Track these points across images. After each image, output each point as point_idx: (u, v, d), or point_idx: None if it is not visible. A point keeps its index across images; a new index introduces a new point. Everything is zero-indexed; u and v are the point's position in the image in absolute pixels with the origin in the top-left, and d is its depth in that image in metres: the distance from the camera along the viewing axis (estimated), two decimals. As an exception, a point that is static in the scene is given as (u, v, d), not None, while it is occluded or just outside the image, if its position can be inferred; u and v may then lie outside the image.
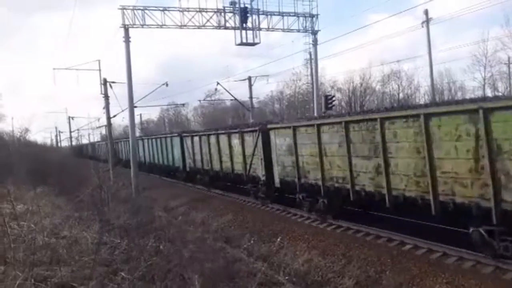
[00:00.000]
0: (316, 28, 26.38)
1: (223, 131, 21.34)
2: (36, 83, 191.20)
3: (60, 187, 18.01)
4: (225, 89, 36.21)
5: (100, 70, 28.44)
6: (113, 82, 27.53)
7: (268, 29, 24.86)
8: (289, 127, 14.91)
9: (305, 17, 25.71)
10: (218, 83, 34.73)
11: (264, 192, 17.63)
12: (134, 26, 22.41)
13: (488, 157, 8.37)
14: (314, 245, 11.95)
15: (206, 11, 23.23)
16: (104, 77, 28.03)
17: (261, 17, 24.25)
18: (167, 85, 28.80)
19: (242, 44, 24.04)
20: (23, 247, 7.52)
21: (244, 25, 23.58)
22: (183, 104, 52.96)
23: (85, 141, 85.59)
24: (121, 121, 59.58)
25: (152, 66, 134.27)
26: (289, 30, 25.66)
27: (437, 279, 8.73)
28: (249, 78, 36.33)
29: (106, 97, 28.32)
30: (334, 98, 31.35)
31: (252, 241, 12.93)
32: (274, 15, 24.72)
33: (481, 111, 8.39)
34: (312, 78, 33.41)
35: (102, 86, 28.08)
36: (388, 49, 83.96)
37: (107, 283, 6.48)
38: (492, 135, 8.32)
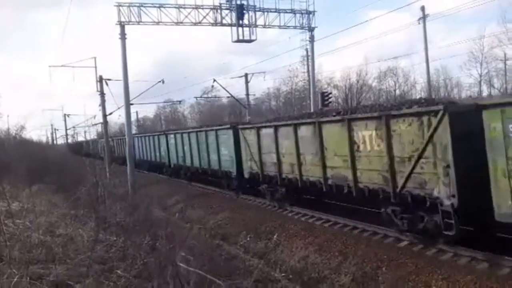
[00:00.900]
0: (312, 25, 26.36)
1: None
2: (33, 80, 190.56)
3: (56, 184, 17.95)
4: (221, 86, 36.19)
5: (96, 67, 28.33)
6: (109, 80, 27.43)
7: (264, 26, 24.82)
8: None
9: (302, 13, 25.67)
10: (214, 80, 34.65)
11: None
12: (130, 23, 22.33)
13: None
14: (311, 242, 11.97)
15: (203, 8, 23.16)
16: (100, 75, 27.94)
17: (258, 13, 24.20)
18: (163, 82, 28.77)
19: (238, 41, 23.99)
20: (18, 245, 7.48)
21: (240, 22, 23.53)
22: (180, 101, 52.83)
23: (81, 138, 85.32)
24: (117, 118, 59.56)
25: (148, 63, 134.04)
26: (286, 27, 25.62)
27: (433, 275, 8.77)
28: (246, 75, 36.27)
29: (102, 94, 28.23)
30: (330, 95, 31.39)
31: (248, 238, 12.95)
32: (271, 11, 24.67)
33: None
34: (308, 75, 33.43)
35: (98, 83, 27.98)
36: (384, 45, 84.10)
37: (103, 281, 6.46)
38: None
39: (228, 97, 41.00)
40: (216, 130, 20.86)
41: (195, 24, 23.22)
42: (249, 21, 23.90)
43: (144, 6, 22.36)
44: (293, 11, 25.33)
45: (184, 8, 22.81)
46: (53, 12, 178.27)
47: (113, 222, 11.05)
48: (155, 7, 22.50)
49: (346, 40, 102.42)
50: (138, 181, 25.91)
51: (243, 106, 40.43)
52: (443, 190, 9.38)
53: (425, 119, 9.60)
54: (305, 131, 14.02)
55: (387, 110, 10.97)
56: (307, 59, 33.62)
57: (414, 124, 9.88)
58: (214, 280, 6.51)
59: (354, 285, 9.29)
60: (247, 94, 36.91)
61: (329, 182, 13.09)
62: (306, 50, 31.28)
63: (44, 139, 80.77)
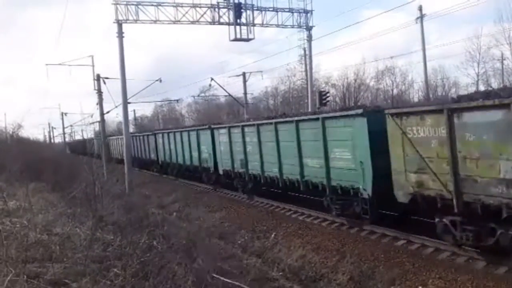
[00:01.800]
0: (310, 24, 26.36)
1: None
2: (30, 78, 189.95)
3: (53, 183, 17.91)
4: (219, 85, 36.11)
5: (93, 65, 28.25)
6: (107, 78, 27.34)
7: (262, 25, 24.80)
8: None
9: (300, 13, 25.67)
10: (212, 79, 34.61)
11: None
12: (128, 21, 22.27)
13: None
14: (308, 241, 11.98)
15: (200, 7, 23.13)
16: (98, 73, 27.86)
17: (255, 12, 24.19)
18: (160, 81, 28.70)
19: (236, 39, 23.96)
20: (15, 244, 7.47)
21: (238, 20, 23.50)
22: (177, 100, 52.72)
23: (77, 137, 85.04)
24: (115, 117, 59.39)
25: (146, 62, 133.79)
26: (284, 26, 25.61)
27: (430, 274, 8.79)
28: (244, 74, 36.25)
29: (100, 93, 28.15)
30: (328, 94, 31.41)
31: (246, 237, 12.97)
32: (269, 10, 24.66)
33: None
34: (306, 74, 33.44)
35: (96, 82, 27.90)
36: (382, 45, 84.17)
37: (100, 279, 6.45)
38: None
39: (226, 96, 40.91)
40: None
41: (193, 22, 23.19)
42: (246, 20, 23.89)
43: (142, 5, 22.32)
44: (290, 10, 25.32)
45: (182, 6, 22.77)
46: (48, 10, 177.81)
47: (110, 220, 11.05)
48: (152, 5, 22.46)
49: (344, 39, 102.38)
50: (134, 179, 25.90)
51: (241, 105, 40.40)
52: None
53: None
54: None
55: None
56: (305, 58, 33.61)
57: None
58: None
59: (351, 284, 9.31)
60: (245, 93, 36.91)
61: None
62: (304, 49, 31.28)
63: (41, 138, 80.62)
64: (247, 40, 24.36)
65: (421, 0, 33.65)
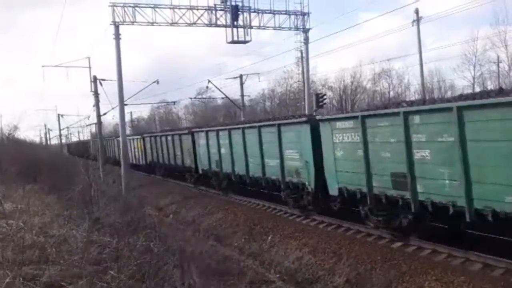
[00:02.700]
0: (307, 26, 26.37)
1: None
2: (26, 80, 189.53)
3: (50, 185, 17.85)
4: (216, 87, 36.17)
5: (90, 67, 28.24)
6: (103, 80, 27.34)
7: (259, 27, 24.80)
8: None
9: (297, 15, 25.68)
10: (209, 81, 34.64)
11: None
12: (125, 23, 22.25)
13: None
14: (305, 243, 11.99)
15: (197, 9, 23.12)
16: (94, 75, 27.83)
17: (252, 15, 24.17)
18: (158, 82, 28.70)
19: (233, 42, 23.96)
20: (11, 246, 7.44)
21: (235, 23, 23.50)
22: (174, 102, 52.65)
23: (74, 139, 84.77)
24: (111, 119, 59.27)
25: (142, 64, 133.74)
26: (281, 28, 25.61)
27: (426, 276, 8.81)
28: (241, 76, 36.27)
29: (96, 94, 28.13)
30: (325, 97, 31.46)
31: (243, 239, 12.97)
32: (266, 13, 24.65)
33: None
34: (303, 76, 33.46)
35: (92, 83, 27.87)
36: (379, 47, 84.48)
37: (96, 281, 6.43)
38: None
39: (222, 98, 41.00)
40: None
41: (190, 24, 23.19)
42: (243, 22, 23.89)
43: (139, 6, 22.30)
44: (287, 13, 25.33)
45: (179, 8, 22.76)
46: (45, 11, 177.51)
47: (107, 223, 11.02)
48: (149, 7, 22.47)
49: (341, 42, 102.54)
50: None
51: (237, 107, 40.41)
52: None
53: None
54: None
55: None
56: (302, 60, 33.64)
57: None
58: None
59: (348, 286, 9.32)
60: (242, 95, 36.91)
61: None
62: (301, 51, 31.26)
63: (37, 140, 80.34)
64: (244, 42, 24.38)
65: (418, 3, 33.76)
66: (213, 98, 50.66)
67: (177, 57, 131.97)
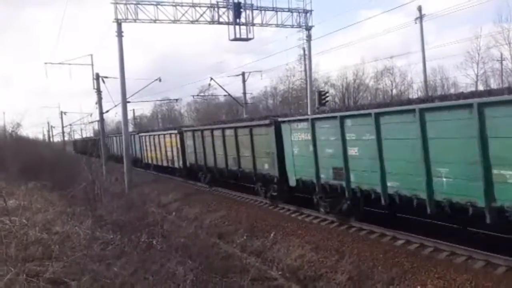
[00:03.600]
0: (310, 24, 26.39)
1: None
2: (29, 77, 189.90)
3: (53, 182, 17.90)
4: (218, 84, 36.19)
5: (92, 64, 28.26)
6: (106, 77, 27.37)
7: (261, 25, 24.83)
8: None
9: (299, 12, 25.69)
10: (211, 79, 34.68)
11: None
12: (127, 20, 22.28)
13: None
14: (307, 240, 11.99)
15: (200, 6, 23.16)
16: (97, 72, 27.86)
17: (255, 12, 24.22)
18: (160, 80, 28.71)
19: (235, 39, 23.98)
20: (15, 243, 7.47)
21: (237, 20, 23.52)
22: (176, 100, 52.75)
23: (77, 136, 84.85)
24: (114, 116, 59.36)
25: (145, 61, 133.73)
26: (283, 25, 25.63)
27: (429, 274, 8.80)
28: (243, 74, 36.29)
29: (99, 92, 28.16)
30: (327, 94, 31.42)
31: (245, 237, 12.97)
32: (268, 10, 24.68)
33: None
34: (305, 74, 33.45)
35: (95, 81, 27.90)
36: (381, 45, 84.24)
37: (99, 278, 6.45)
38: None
39: (225, 95, 40.97)
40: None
41: (192, 22, 23.20)
42: (246, 19, 23.91)
43: (141, 4, 22.31)
44: (290, 10, 25.35)
45: (181, 6, 22.78)
46: (47, 9, 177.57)
47: (110, 219, 11.05)
48: (152, 4, 22.47)
49: (343, 39, 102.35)
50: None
51: (240, 104, 40.43)
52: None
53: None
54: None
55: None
56: (304, 58, 33.64)
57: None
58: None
59: (350, 283, 9.32)
60: (244, 93, 36.97)
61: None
62: (303, 49, 31.33)
63: (40, 137, 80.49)
64: (247, 39, 24.39)
65: (420, 0, 33.69)
66: (216, 95, 50.81)
67: (180, 54, 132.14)
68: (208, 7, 23.30)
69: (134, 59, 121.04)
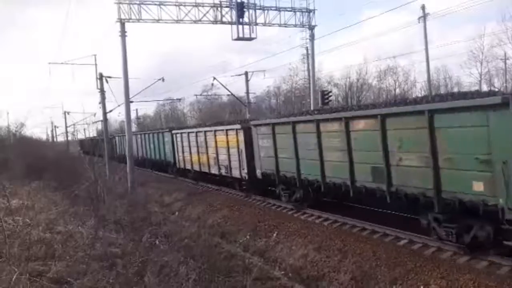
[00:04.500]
0: (313, 23, 26.31)
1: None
2: (32, 77, 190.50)
3: (56, 182, 17.96)
4: (221, 84, 36.10)
5: (96, 64, 28.32)
6: (109, 77, 27.42)
7: (264, 24, 24.76)
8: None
9: (302, 12, 25.63)
10: (214, 78, 34.60)
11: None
12: (130, 20, 22.28)
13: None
14: (310, 240, 11.98)
15: (203, 6, 23.12)
16: (100, 72, 27.91)
17: (258, 12, 24.13)
18: (163, 80, 28.72)
19: (238, 39, 23.93)
20: (18, 242, 7.50)
21: (240, 20, 23.45)
22: (179, 99, 52.73)
23: (80, 136, 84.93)
24: (117, 116, 59.44)
25: (148, 61, 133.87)
26: (286, 25, 25.57)
27: (432, 274, 8.77)
28: (246, 73, 36.22)
29: (102, 92, 28.21)
30: (330, 94, 31.33)
31: (248, 236, 12.97)
32: (271, 10, 24.62)
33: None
34: (309, 74, 33.38)
35: (98, 80, 27.96)
36: (384, 44, 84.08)
37: (102, 278, 6.47)
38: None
39: (228, 95, 40.93)
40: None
41: (195, 22, 23.18)
42: (249, 19, 23.85)
43: (145, 4, 22.31)
44: (293, 9, 25.29)
45: (184, 6, 22.76)
46: (49, 9, 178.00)
47: (113, 219, 11.07)
48: (155, 4, 22.45)
49: (346, 39, 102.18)
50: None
51: (243, 104, 40.39)
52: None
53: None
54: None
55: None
56: (307, 57, 33.58)
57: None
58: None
59: (353, 283, 9.30)
60: (247, 92, 36.87)
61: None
62: (306, 48, 31.22)
63: (44, 137, 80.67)
64: (250, 39, 24.34)
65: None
66: (219, 95, 50.73)
67: (183, 54, 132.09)
68: (211, 6, 23.27)
69: (137, 59, 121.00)
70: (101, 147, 43.63)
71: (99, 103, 29.20)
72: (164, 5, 22.52)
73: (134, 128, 54.90)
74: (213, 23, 23.60)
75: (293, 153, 14.58)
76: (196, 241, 11.51)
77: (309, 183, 14.25)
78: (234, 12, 23.43)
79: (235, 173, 19.48)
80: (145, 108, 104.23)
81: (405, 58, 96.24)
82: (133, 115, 49.62)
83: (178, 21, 22.86)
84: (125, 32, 22.40)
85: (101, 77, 27.82)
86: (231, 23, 23.58)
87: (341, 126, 12.22)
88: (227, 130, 19.99)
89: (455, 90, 51.29)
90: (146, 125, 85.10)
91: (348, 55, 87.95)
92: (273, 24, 25.06)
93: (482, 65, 47.53)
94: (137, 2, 22.18)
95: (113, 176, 24.08)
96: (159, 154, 31.34)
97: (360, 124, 11.70)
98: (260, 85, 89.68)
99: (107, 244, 8.58)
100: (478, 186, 8.55)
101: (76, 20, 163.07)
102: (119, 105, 27.27)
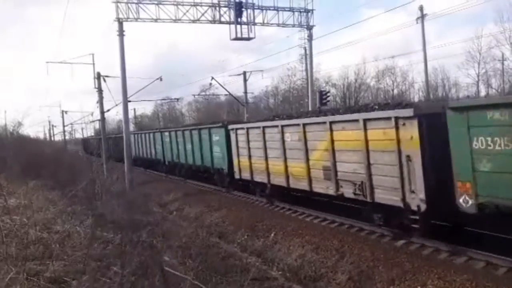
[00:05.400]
0: (311, 23, 26.34)
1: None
2: (30, 76, 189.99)
3: (54, 181, 17.89)
4: (219, 84, 36.06)
5: (93, 64, 28.21)
6: (107, 76, 27.34)
7: (263, 24, 24.77)
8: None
9: (300, 12, 25.65)
10: (212, 78, 34.55)
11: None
12: (128, 19, 22.25)
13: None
14: (308, 240, 11.98)
15: (201, 5, 23.11)
16: (98, 71, 27.83)
17: (256, 11, 24.15)
18: (161, 79, 28.64)
19: (237, 38, 23.92)
20: (15, 242, 7.48)
21: (239, 19, 23.45)
22: (177, 99, 52.57)
23: (78, 135, 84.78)
24: (115, 115, 59.32)
25: (146, 60, 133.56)
26: (284, 25, 25.59)
27: (429, 274, 8.79)
28: (244, 73, 36.21)
29: (100, 91, 28.12)
30: (328, 94, 31.36)
31: (246, 236, 12.98)
32: (269, 9, 24.63)
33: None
34: (307, 74, 33.40)
35: (96, 80, 27.88)
36: (382, 45, 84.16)
37: (99, 277, 6.46)
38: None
39: (226, 95, 40.88)
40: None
41: (194, 21, 23.17)
42: (247, 19, 23.85)
43: (143, 3, 22.28)
44: (291, 9, 25.30)
45: (183, 5, 22.74)
46: (48, 8, 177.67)
47: (110, 219, 11.04)
48: (153, 4, 22.41)
49: (344, 39, 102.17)
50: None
51: (241, 104, 40.38)
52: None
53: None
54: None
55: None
56: (305, 57, 33.61)
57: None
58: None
59: (350, 283, 9.31)
60: (245, 92, 36.86)
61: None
62: (305, 48, 31.27)
63: (41, 136, 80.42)
64: (248, 39, 24.33)
65: (422, 0, 33.65)
66: (217, 95, 50.56)
67: (181, 54, 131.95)
68: (209, 6, 23.27)
69: (135, 58, 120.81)
70: (115, 146, 39.98)
71: (97, 102, 29.11)
72: (162, 4, 22.50)
73: (131, 128, 54.76)
74: (211, 23, 23.59)
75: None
76: (194, 241, 11.50)
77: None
78: (232, 12, 23.43)
79: (386, 197, 10.98)
80: (143, 107, 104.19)
81: (403, 58, 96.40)
82: (130, 115, 49.51)
83: (176, 20, 22.85)
84: (123, 31, 22.37)
85: (98, 76, 27.74)
86: (229, 22, 23.58)
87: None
88: (368, 120, 11.13)
89: (453, 91, 51.49)
90: (144, 125, 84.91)
91: (346, 55, 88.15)
92: (272, 24, 25.07)
93: (479, 66, 47.68)
94: (135, 1, 22.16)
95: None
96: (200, 159, 23.53)
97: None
98: (258, 85, 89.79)
99: (104, 243, 8.57)
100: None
101: (74, 19, 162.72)
102: (116, 105, 27.16)
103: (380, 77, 59.10)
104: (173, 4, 22.62)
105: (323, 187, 13.37)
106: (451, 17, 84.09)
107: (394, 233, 11.27)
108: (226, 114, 68.58)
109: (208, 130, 22.51)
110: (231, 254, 11.86)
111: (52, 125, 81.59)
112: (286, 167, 15.14)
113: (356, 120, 11.48)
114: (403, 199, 10.28)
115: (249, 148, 17.68)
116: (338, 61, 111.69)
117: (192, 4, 22.85)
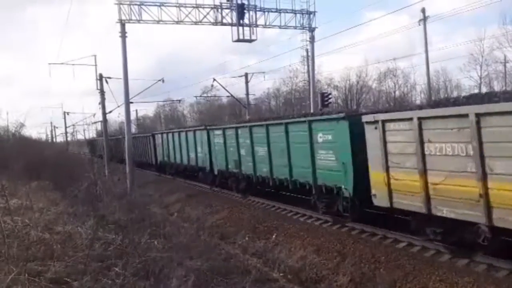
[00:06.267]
0: (313, 25, 26.31)
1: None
2: (31, 77, 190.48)
3: (55, 182, 17.94)
4: (221, 85, 36.12)
5: (96, 65, 28.30)
6: (109, 78, 27.41)
7: (265, 26, 24.77)
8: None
9: (302, 14, 25.62)
10: (214, 80, 34.62)
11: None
12: (131, 21, 22.28)
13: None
14: (309, 242, 11.97)
15: (203, 7, 23.11)
16: (100, 73, 27.91)
17: (258, 13, 24.12)
18: (163, 81, 28.72)
19: (239, 40, 23.94)
20: (17, 242, 7.49)
21: (241, 21, 23.46)
22: (179, 100, 52.65)
23: (80, 136, 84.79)
24: (116, 116, 59.40)
25: (148, 62, 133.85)
26: (286, 27, 25.57)
27: (431, 277, 8.77)
28: (246, 75, 36.24)
29: (102, 92, 28.20)
30: (330, 96, 31.37)
31: (247, 238, 12.98)
32: (271, 11, 24.61)
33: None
34: (308, 76, 33.39)
35: (98, 81, 27.95)
36: (384, 47, 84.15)
37: (101, 278, 6.46)
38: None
39: (228, 96, 40.99)
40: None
41: (196, 23, 23.18)
42: (249, 20, 23.85)
43: (145, 5, 22.31)
44: (293, 11, 25.27)
45: (185, 7, 22.76)
46: (50, 8, 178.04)
47: (112, 220, 11.06)
48: (155, 5, 22.44)
49: (346, 41, 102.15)
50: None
51: (242, 105, 40.42)
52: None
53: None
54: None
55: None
56: (307, 59, 33.60)
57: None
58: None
59: (352, 285, 9.30)
60: (247, 94, 36.88)
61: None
62: (306, 50, 31.25)
63: (43, 137, 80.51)
64: (250, 41, 24.34)
65: (424, 2, 33.63)
66: (218, 96, 50.68)
67: (183, 55, 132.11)
68: (211, 8, 23.28)
69: (137, 60, 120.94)
70: (143, 148, 35.73)
71: (99, 103, 29.18)
72: (165, 6, 22.51)
73: (133, 129, 54.84)
74: (213, 25, 23.60)
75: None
76: (195, 242, 11.50)
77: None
78: (234, 14, 23.44)
79: None
80: (145, 109, 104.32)
81: (405, 60, 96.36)
82: (132, 116, 49.59)
83: (178, 22, 22.85)
84: (126, 33, 22.41)
85: (101, 77, 27.81)
86: (231, 24, 23.59)
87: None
88: None
89: (455, 93, 51.38)
90: (145, 126, 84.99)
91: (348, 57, 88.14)
92: (273, 25, 25.06)
93: (481, 68, 47.63)
94: (138, 3, 22.17)
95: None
96: (290, 170, 15.01)
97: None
98: (260, 87, 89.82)
99: (106, 244, 8.58)
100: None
101: (76, 21, 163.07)
102: (118, 106, 27.27)
103: (382, 79, 59.09)
104: (175, 6, 22.65)
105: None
106: (454, 19, 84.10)
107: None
108: (227, 116, 68.60)
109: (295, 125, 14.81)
110: (232, 256, 11.86)
111: (54, 126, 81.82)
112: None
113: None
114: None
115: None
116: (340, 63, 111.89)
117: (194, 6, 22.87)
